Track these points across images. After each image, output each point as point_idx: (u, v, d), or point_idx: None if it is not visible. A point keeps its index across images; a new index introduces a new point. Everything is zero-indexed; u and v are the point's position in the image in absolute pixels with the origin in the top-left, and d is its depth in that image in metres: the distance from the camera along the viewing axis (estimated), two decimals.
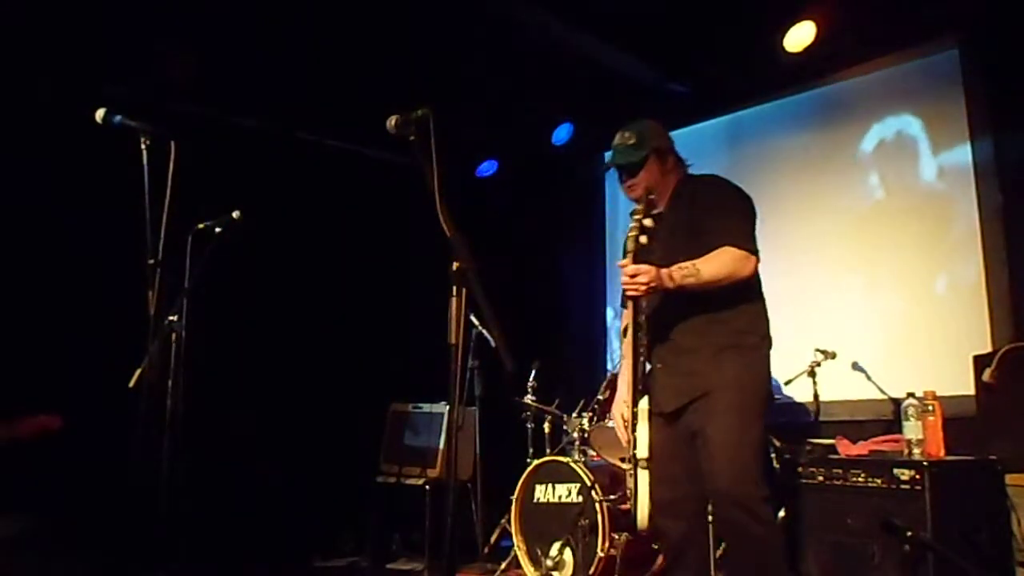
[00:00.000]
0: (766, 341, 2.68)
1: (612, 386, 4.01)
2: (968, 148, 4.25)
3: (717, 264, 2.52)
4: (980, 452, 3.11)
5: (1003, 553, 2.92)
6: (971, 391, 3.53)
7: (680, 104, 5.35)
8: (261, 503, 4.73)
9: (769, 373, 2.70)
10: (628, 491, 2.55)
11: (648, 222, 2.46)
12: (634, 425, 2.54)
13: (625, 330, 2.74)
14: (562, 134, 5.85)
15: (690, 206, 2.71)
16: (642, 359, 2.61)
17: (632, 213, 2.53)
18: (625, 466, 2.61)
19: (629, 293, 2.54)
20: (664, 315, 2.66)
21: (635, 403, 2.56)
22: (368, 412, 5.21)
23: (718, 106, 5.37)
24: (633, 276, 2.48)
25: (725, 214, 2.62)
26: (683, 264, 2.52)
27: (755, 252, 2.58)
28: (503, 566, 4.25)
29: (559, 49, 4.82)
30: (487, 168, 6.32)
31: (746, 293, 2.63)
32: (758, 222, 2.67)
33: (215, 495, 4.24)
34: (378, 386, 5.29)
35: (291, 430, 5.00)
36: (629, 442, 2.55)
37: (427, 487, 4.66)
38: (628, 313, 2.65)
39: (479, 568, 4.41)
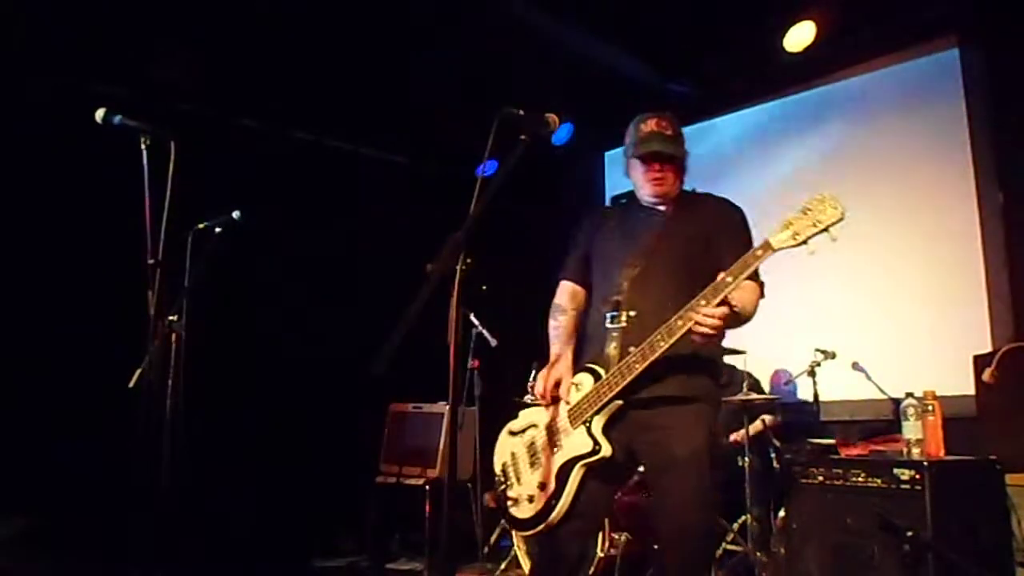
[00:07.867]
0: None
1: None
2: (968, 148, 4.25)
3: (753, 301, 2.31)
4: (980, 452, 3.11)
5: (1003, 553, 2.92)
6: (971, 391, 3.54)
7: (680, 104, 5.33)
8: (261, 503, 4.73)
9: None
10: None
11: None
12: None
13: None
14: (562, 134, 5.84)
15: (702, 221, 2.47)
16: None
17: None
18: None
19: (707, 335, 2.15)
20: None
21: None
22: (368, 412, 5.20)
23: (718, 106, 5.37)
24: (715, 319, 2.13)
25: (744, 243, 2.32)
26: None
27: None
28: (503, 566, 4.25)
29: (559, 49, 4.82)
30: (487, 168, 6.31)
31: None
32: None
33: (215, 495, 4.24)
34: (378, 386, 5.29)
35: (291, 430, 4.99)
36: None
37: (427, 487, 4.66)
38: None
39: (479, 568, 4.41)
